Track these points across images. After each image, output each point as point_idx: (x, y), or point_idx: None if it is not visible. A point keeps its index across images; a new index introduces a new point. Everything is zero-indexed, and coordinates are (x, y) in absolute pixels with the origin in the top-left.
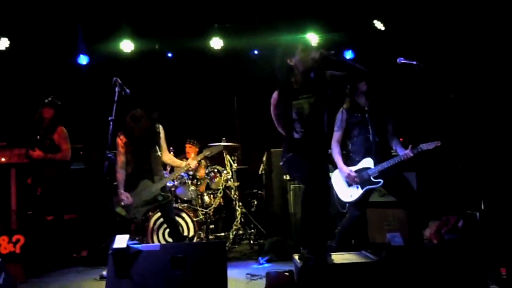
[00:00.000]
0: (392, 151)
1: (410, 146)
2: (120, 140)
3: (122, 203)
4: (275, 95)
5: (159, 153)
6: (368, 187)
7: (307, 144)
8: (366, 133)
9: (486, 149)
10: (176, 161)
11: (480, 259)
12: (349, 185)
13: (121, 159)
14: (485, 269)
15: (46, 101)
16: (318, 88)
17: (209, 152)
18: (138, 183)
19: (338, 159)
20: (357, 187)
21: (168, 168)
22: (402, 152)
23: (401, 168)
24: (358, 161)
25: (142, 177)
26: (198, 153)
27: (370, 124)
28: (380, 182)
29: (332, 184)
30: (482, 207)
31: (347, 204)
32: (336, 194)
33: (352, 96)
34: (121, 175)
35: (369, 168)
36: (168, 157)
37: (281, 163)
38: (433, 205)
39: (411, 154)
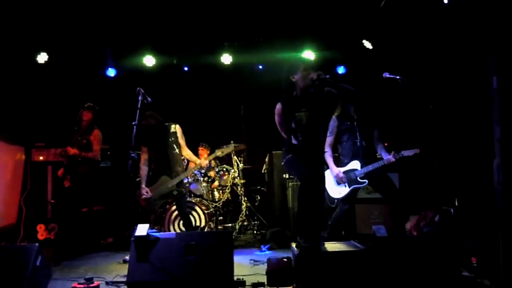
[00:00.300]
0: (377, 154)
1: (393, 152)
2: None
3: (143, 197)
4: (278, 105)
5: (177, 150)
6: (354, 186)
7: (304, 149)
8: (354, 138)
9: (460, 153)
10: (192, 157)
11: (454, 249)
12: (338, 183)
13: (144, 157)
14: (458, 258)
15: (86, 105)
16: (315, 103)
17: (220, 152)
18: (157, 178)
19: (329, 160)
20: (345, 186)
21: (185, 163)
22: (386, 157)
23: (385, 169)
24: (347, 163)
25: (161, 173)
26: (210, 154)
27: (358, 131)
28: (365, 182)
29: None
30: (456, 204)
31: (336, 200)
32: (327, 191)
33: (343, 105)
34: (143, 171)
35: (356, 169)
36: (186, 152)
37: (282, 163)
38: (413, 201)
39: (393, 159)
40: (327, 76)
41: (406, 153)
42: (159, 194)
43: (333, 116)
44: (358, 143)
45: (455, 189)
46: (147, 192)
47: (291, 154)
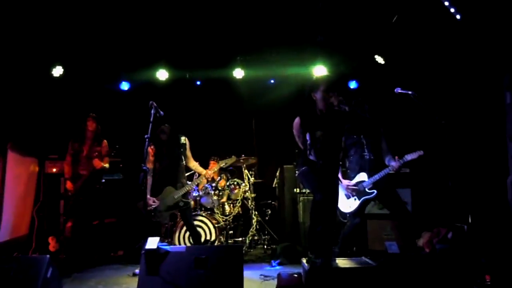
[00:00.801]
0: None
1: (397, 157)
2: (151, 150)
3: (148, 208)
4: (297, 120)
5: (183, 162)
6: (364, 197)
7: (320, 166)
8: (362, 152)
9: (473, 169)
10: (198, 168)
11: (467, 267)
12: (348, 197)
13: (150, 167)
14: (472, 276)
15: (91, 114)
16: (334, 124)
17: (224, 163)
18: (162, 189)
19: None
20: (355, 199)
21: (196, 177)
22: (391, 164)
23: (398, 185)
24: (353, 177)
25: (166, 183)
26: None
27: (365, 143)
28: (374, 192)
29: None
30: (470, 220)
31: (347, 215)
32: (338, 207)
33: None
34: (148, 181)
35: (363, 181)
36: (192, 163)
37: (296, 173)
38: (426, 218)
39: (398, 165)
40: (346, 108)
41: (410, 156)
42: (165, 205)
43: None
44: (366, 156)
45: (469, 206)
46: (154, 202)
47: (306, 166)
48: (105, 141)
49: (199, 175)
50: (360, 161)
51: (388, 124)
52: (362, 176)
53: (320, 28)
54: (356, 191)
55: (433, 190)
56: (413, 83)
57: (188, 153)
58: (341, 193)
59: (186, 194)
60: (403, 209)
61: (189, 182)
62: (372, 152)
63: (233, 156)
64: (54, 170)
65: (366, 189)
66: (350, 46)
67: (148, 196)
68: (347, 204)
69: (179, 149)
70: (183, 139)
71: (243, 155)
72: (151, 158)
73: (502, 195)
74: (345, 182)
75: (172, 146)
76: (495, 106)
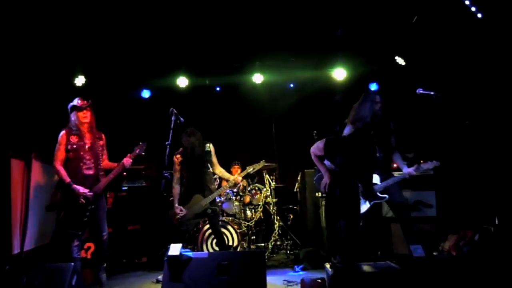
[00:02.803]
0: (395, 165)
1: (416, 165)
2: (177, 159)
3: (177, 216)
4: (321, 144)
5: (210, 169)
6: (374, 201)
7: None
8: None
9: (499, 169)
10: (225, 174)
11: (495, 270)
12: None
13: (176, 176)
14: (500, 279)
15: (86, 103)
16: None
17: (252, 169)
18: (190, 197)
19: None
20: (365, 201)
21: (217, 183)
22: (406, 170)
23: (421, 187)
24: None
25: (194, 192)
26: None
27: (376, 142)
28: (385, 197)
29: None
30: (496, 222)
31: None
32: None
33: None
34: (176, 190)
35: (375, 184)
36: (219, 170)
37: (314, 180)
38: (452, 220)
39: (414, 173)
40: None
41: (426, 166)
42: (193, 213)
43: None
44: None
45: (495, 207)
46: (181, 211)
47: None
48: (103, 134)
49: (227, 180)
50: None
51: (398, 120)
52: (374, 179)
53: (339, 29)
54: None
55: (459, 192)
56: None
57: (214, 159)
58: None
59: (214, 201)
60: (406, 214)
61: (220, 188)
62: (381, 151)
63: (262, 161)
64: None
65: (378, 193)
66: (370, 48)
67: (176, 205)
68: None
69: (206, 156)
70: (208, 146)
71: (263, 160)
72: (177, 167)
73: None
74: None
75: (199, 154)
76: None
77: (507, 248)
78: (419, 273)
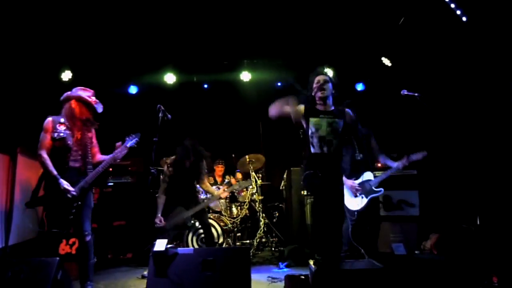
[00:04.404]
0: (380, 165)
1: (405, 156)
2: (168, 171)
3: (155, 226)
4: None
5: (195, 182)
6: (372, 196)
7: (323, 159)
8: (353, 152)
9: (481, 171)
10: (210, 189)
11: (475, 268)
12: (355, 196)
13: (163, 186)
14: (479, 278)
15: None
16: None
17: (238, 187)
18: (173, 209)
19: None
20: (362, 197)
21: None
22: (394, 164)
23: (404, 186)
24: (350, 177)
25: (178, 203)
26: (224, 173)
27: (355, 143)
28: (381, 190)
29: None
30: (478, 222)
31: (356, 213)
32: (345, 205)
33: None
34: (161, 199)
35: (370, 180)
36: (205, 185)
37: (301, 181)
38: (434, 219)
39: (407, 163)
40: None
41: (415, 156)
42: (174, 224)
43: None
44: (357, 157)
45: (477, 207)
46: (160, 221)
47: (310, 170)
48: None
49: (212, 195)
50: (352, 161)
51: (378, 124)
52: (368, 175)
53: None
54: (363, 190)
55: (441, 192)
56: (419, 85)
57: (204, 175)
58: (347, 193)
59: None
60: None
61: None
62: (361, 153)
63: (248, 179)
64: None
65: (373, 188)
66: (357, 49)
67: (158, 215)
68: (354, 202)
69: (198, 170)
70: (203, 165)
71: (250, 180)
72: (166, 179)
73: (510, 196)
74: (349, 182)
75: (191, 169)
76: (502, 108)
77: (487, 248)
78: (401, 271)
